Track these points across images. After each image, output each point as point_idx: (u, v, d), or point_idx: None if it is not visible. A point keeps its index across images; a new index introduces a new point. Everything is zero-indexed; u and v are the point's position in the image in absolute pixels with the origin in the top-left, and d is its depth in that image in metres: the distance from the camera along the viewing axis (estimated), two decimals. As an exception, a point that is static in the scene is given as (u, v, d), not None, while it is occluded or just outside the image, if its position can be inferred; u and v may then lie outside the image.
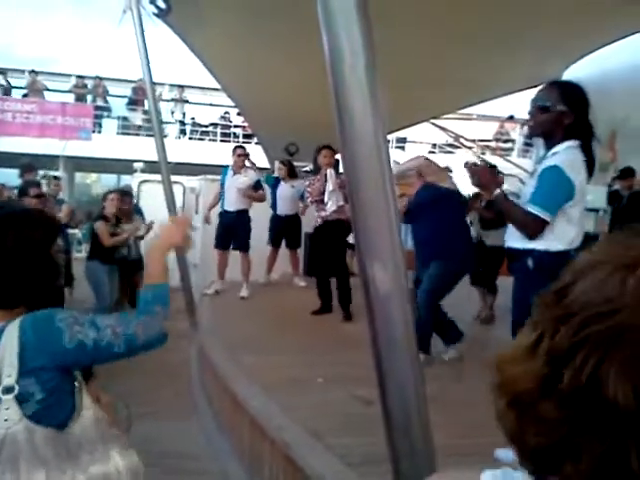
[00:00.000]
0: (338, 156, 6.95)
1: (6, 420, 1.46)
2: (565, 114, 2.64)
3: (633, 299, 0.56)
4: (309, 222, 9.10)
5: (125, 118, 17.16)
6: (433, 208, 4.88)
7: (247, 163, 8.10)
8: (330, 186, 6.58)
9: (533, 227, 2.57)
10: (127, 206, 7.41)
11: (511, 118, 18.06)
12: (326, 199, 6.61)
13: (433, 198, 4.94)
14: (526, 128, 2.89)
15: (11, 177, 9.88)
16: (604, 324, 0.56)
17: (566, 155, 2.57)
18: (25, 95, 16.35)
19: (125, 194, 7.62)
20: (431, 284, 4.74)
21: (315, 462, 2.84)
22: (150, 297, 1.70)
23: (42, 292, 1.65)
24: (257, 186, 7.83)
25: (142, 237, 7.66)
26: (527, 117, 2.77)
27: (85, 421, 1.57)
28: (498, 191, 2.67)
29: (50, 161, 14.18)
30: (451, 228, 4.91)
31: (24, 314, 1.55)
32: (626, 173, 7.12)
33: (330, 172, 6.60)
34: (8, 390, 1.46)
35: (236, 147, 8.21)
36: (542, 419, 0.59)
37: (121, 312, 1.68)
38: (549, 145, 2.68)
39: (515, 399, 0.62)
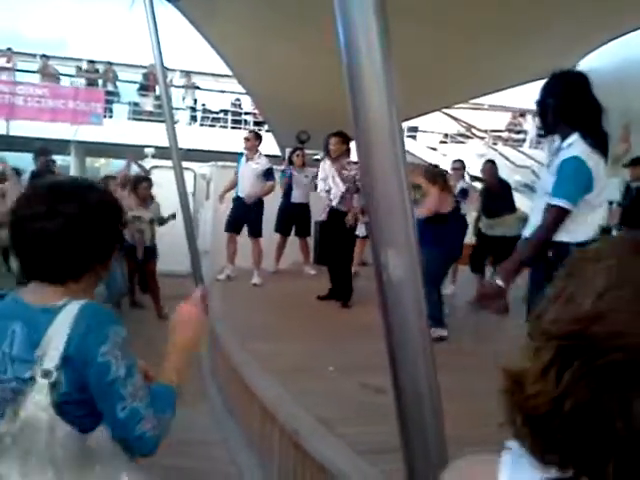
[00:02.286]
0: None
1: (35, 404, 1.38)
2: (556, 106, 2.64)
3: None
4: (319, 210, 9.11)
5: (136, 104, 17.14)
6: None
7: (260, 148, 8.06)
8: (329, 177, 6.66)
9: (556, 217, 2.54)
10: (144, 192, 7.41)
11: (522, 115, 17.97)
12: (324, 187, 6.71)
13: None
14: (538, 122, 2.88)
15: (24, 160, 9.92)
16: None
17: (580, 147, 2.55)
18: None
19: (138, 182, 7.58)
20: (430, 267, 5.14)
21: (325, 450, 2.85)
22: (164, 398, 1.57)
23: (91, 266, 1.55)
24: (267, 174, 7.80)
25: (162, 223, 7.68)
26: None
27: (102, 435, 1.47)
28: (500, 282, 2.60)
29: (61, 146, 14.19)
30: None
31: (81, 296, 1.47)
32: (636, 161, 7.01)
33: (325, 163, 6.71)
34: (47, 374, 1.38)
35: (249, 132, 8.22)
36: (550, 434, 0.63)
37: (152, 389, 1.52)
38: (562, 137, 2.66)
39: (529, 416, 0.66)
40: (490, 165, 7.05)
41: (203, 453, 3.75)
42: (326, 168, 6.62)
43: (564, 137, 2.64)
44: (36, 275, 1.50)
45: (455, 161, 8.30)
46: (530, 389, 0.64)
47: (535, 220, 2.74)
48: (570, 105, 2.63)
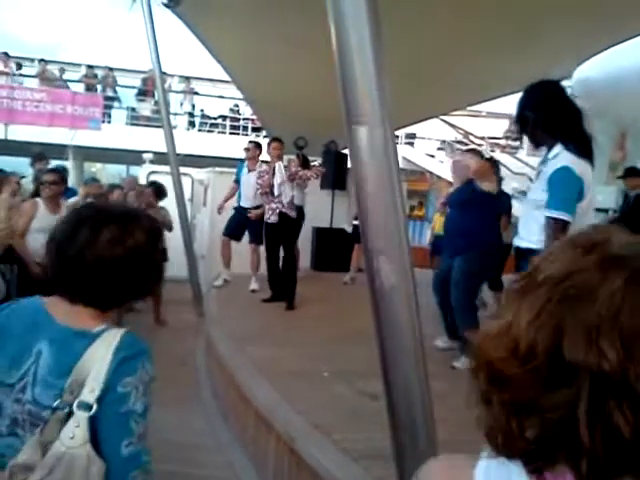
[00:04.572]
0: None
1: (72, 438, 1.26)
2: (535, 118, 2.65)
3: (588, 267, 0.63)
4: (318, 216, 9.13)
5: (134, 109, 17.16)
6: (469, 204, 4.78)
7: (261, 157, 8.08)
8: (278, 179, 6.78)
9: (558, 230, 2.52)
10: (147, 199, 7.44)
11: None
12: (276, 192, 6.81)
13: (468, 196, 4.83)
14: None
15: (21, 165, 9.92)
16: (560, 288, 0.63)
17: (566, 156, 2.56)
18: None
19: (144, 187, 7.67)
20: (462, 278, 4.46)
21: (320, 455, 2.85)
22: None
23: (138, 296, 1.53)
24: None
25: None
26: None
27: None
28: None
29: (59, 150, 14.20)
30: (484, 223, 4.71)
31: (118, 326, 1.40)
32: (630, 172, 7.04)
33: (279, 165, 6.84)
34: (85, 407, 1.28)
35: (249, 143, 8.25)
36: (513, 384, 0.64)
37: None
38: (548, 148, 2.68)
39: (493, 375, 0.67)
40: None
41: (198, 458, 3.75)
42: (283, 173, 6.77)
43: (549, 148, 2.65)
44: (80, 298, 1.40)
45: None
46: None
47: (524, 230, 2.75)
48: (549, 115, 2.63)
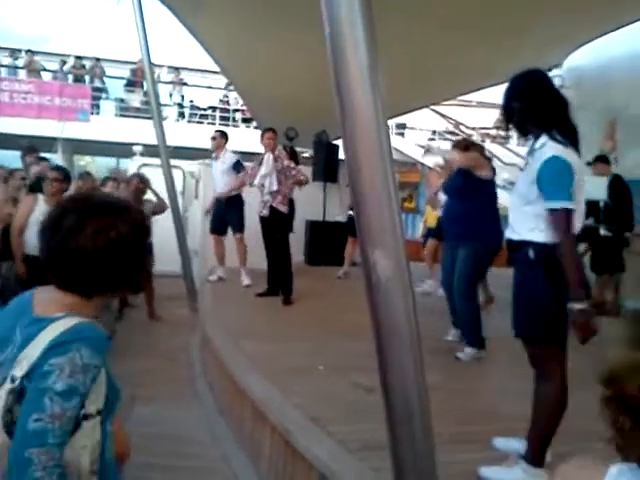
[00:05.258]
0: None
1: None
2: (521, 108, 2.65)
3: None
4: (310, 208, 9.13)
5: (122, 100, 17.02)
6: (467, 192, 4.79)
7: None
8: (263, 170, 6.73)
9: (565, 219, 2.49)
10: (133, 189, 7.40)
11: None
12: (256, 182, 6.77)
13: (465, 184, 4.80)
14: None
15: (9, 159, 9.82)
16: None
17: (553, 146, 2.55)
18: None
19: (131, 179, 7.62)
20: (467, 267, 4.60)
21: (315, 448, 2.87)
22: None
23: (123, 287, 1.54)
24: (236, 167, 7.70)
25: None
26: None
27: None
28: (580, 306, 2.43)
29: (48, 143, 14.07)
30: (485, 212, 4.74)
31: (89, 312, 1.42)
32: (599, 159, 7.08)
33: (267, 156, 6.77)
34: (12, 380, 1.31)
35: (215, 132, 8.24)
36: None
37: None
38: (534, 138, 2.67)
39: (629, 406, 0.70)
40: None
41: (193, 451, 3.75)
42: (270, 165, 6.73)
43: (536, 138, 2.65)
44: (62, 284, 1.44)
45: None
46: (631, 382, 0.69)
47: (515, 222, 2.72)
48: (535, 105, 2.63)
